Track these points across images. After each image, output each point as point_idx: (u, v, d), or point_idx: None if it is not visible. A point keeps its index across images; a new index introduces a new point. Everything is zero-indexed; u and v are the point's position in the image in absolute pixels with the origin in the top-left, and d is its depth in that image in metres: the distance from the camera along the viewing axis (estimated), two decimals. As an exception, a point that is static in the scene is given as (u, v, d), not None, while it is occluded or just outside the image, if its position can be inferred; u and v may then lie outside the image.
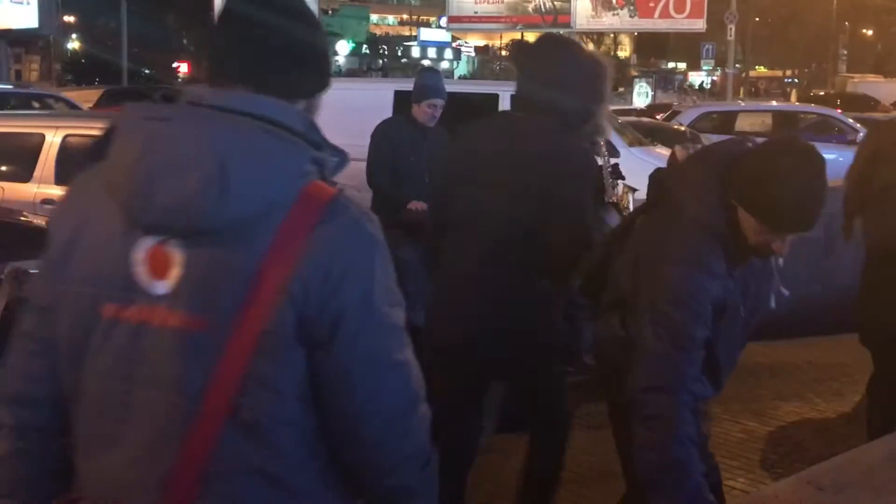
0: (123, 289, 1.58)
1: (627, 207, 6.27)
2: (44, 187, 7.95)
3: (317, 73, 1.75)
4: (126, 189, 1.56)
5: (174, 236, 1.55)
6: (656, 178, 2.84)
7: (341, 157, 1.70)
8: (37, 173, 8.00)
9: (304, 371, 1.59)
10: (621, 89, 50.74)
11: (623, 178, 6.35)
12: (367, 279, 1.58)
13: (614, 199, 6.23)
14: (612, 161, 6.41)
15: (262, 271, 1.52)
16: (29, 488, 1.70)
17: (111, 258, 1.60)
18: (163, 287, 1.56)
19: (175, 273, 1.56)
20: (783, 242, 2.47)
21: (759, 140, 2.73)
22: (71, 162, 8.03)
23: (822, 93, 32.48)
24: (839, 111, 17.99)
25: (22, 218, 7.23)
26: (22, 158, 8.14)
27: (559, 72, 3.34)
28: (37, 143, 8.10)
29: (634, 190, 6.39)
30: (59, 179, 7.95)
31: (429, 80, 6.06)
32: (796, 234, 2.48)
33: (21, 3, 17.71)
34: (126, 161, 1.56)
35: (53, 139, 8.06)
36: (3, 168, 8.30)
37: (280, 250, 1.53)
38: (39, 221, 7.27)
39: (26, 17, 17.87)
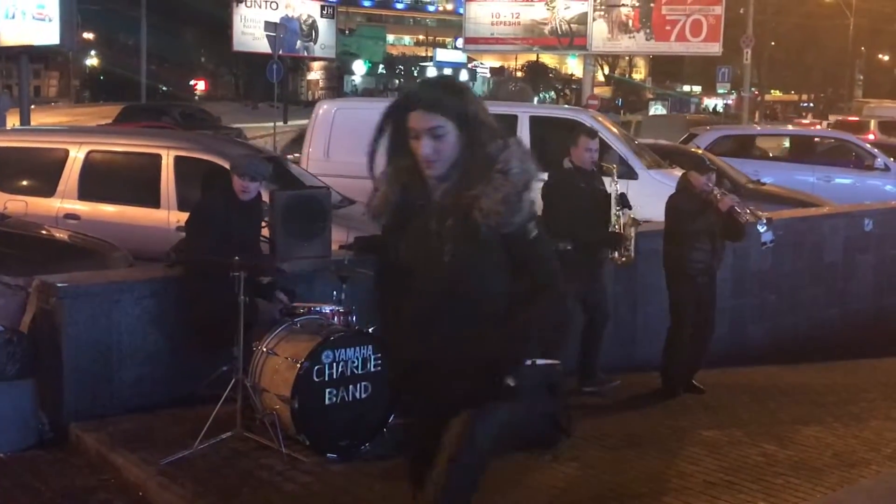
0: None
1: (630, 240, 6.13)
2: (67, 202, 7.99)
3: None
4: None
5: None
6: None
7: None
8: (60, 188, 8.01)
9: None
10: (638, 113, 50.65)
11: (630, 209, 6.22)
12: None
13: (616, 228, 6.12)
14: (620, 190, 6.25)
15: None
16: None
17: None
18: None
19: None
20: None
21: None
22: (94, 177, 8.07)
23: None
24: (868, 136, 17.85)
25: (44, 232, 7.28)
26: (45, 173, 8.15)
27: None
28: (60, 158, 8.11)
29: (638, 223, 6.26)
30: (83, 195, 8.00)
31: None
32: None
33: (43, 19, 17.87)
34: None
35: (77, 154, 8.07)
36: (27, 183, 8.31)
37: None
38: (62, 236, 7.32)
39: (48, 34, 18.01)
